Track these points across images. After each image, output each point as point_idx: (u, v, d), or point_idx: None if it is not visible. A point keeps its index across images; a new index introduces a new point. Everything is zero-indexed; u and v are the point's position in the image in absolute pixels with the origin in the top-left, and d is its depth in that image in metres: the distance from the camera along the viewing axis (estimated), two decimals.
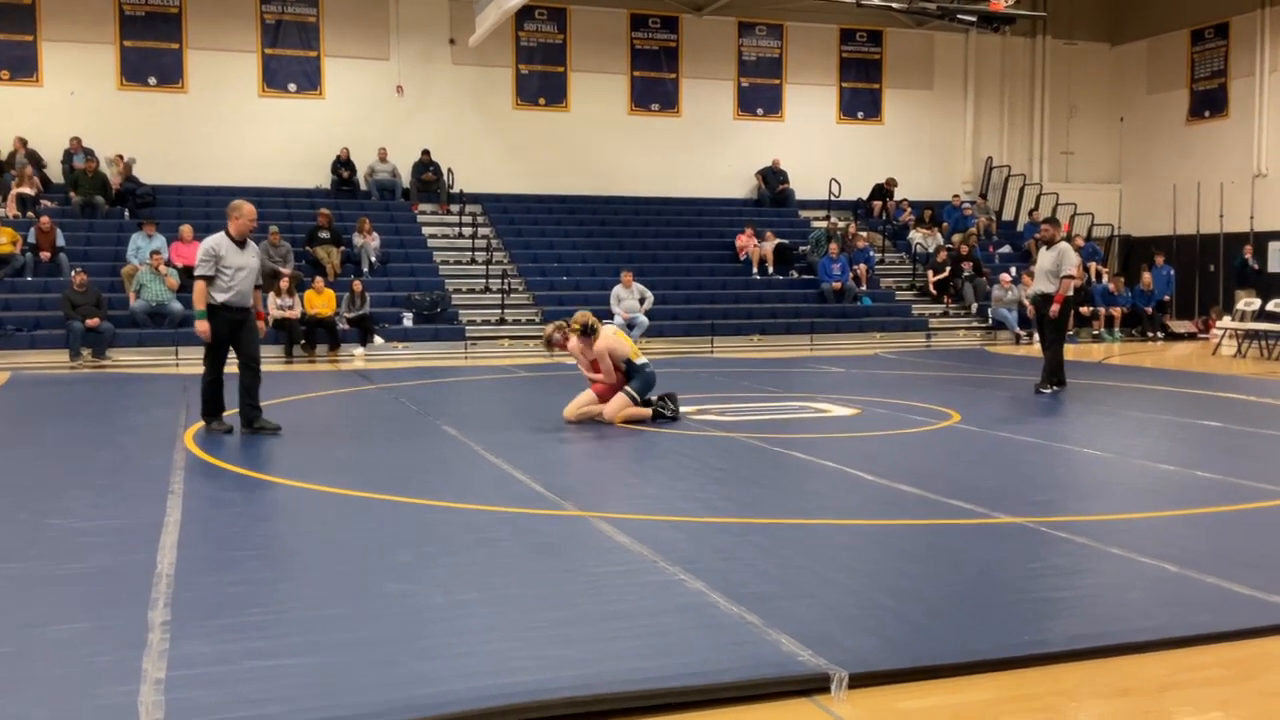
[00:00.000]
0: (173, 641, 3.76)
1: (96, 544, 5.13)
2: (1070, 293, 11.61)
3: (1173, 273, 22.40)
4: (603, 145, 22.97)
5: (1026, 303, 20.67)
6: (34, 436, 8.85)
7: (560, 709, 3.25)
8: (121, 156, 19.88)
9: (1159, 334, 21.42)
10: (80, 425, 9.48)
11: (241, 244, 8.50)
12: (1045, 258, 11.71)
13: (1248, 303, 19.08)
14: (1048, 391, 11.47)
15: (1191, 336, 21.52)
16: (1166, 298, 22.08)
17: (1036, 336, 12.60)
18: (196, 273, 8.40)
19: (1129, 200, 25.89)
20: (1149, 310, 21.49)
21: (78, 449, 8.10)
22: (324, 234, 18.76)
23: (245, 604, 4.20)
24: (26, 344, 15.68)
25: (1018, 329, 19.89)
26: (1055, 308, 11.47)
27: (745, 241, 21.30)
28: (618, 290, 18.52)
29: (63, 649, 3.72)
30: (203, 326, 8.40)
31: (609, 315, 18.30)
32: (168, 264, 16.99)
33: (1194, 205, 23.98)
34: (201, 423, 8.64)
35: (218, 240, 8.45)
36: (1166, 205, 24.64)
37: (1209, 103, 24.06)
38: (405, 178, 21.75)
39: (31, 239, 17.35)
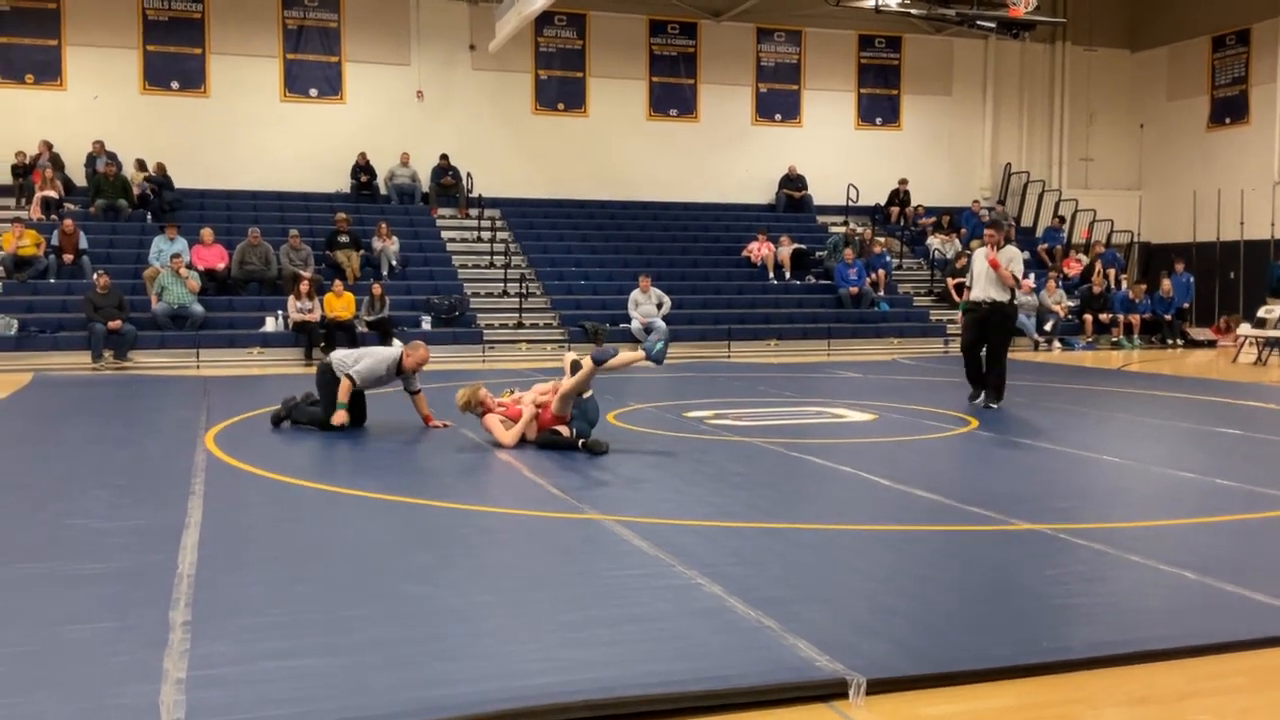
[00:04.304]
0: (193, 641, 3.79)
1: (118, 544, 5.17)
2: (1026, 294, 10.86)
3: (1193, 280, 22.28)
4: (621, 150, 23.01)
5: (1060, 308, 20.59)
6: (56, 437, 8.92)
7: (579, 712, 3.27)
8: (143, 164, 20.01)
9: (1179, 341, 21.31)
10: (102, 426, 9.55)
11: (400, 373, 9.02)
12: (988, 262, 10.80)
13: (1268, 309, 18.94)
14: (995, 407, 10.73)
15: (1211, 344, 21.39)
16: (1186, 305, 21.96)
17: (963, 347, 11.47)
18: (359, 382, 8.87)
19: (1149, 207, 25.76)
20: (1169, 317, 21.38)
21: (99, 450, 8.15)
22: (343, 238, 18.86)
23: (265, 604, 4.22)
24: (49, 345, 15.81)
25: (1035, 335, 19.82)
26: (1003, 274, 10.67)
27: (757, 248, 21.29)
28: (635, 295, 18.54)
29: (84, 649, 3.75)
30: (339, 418, 8.77)
31: (627, 319, 18.35)
32: (189, 267, 17.11)
33: (1214, 212, 23.85)
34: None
35: (390, 364, 8.96)
36: (1187, 212, 24.51)
37: (1230, 109, 23.93)
38: (425, 182, 21.83)
39: (55, 242, 17.50)
